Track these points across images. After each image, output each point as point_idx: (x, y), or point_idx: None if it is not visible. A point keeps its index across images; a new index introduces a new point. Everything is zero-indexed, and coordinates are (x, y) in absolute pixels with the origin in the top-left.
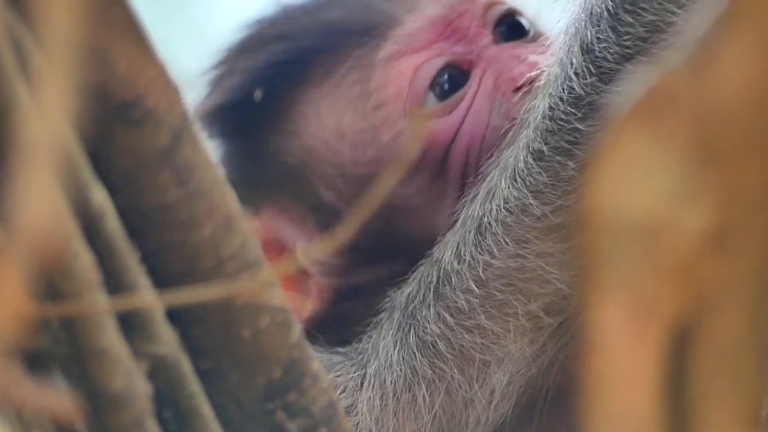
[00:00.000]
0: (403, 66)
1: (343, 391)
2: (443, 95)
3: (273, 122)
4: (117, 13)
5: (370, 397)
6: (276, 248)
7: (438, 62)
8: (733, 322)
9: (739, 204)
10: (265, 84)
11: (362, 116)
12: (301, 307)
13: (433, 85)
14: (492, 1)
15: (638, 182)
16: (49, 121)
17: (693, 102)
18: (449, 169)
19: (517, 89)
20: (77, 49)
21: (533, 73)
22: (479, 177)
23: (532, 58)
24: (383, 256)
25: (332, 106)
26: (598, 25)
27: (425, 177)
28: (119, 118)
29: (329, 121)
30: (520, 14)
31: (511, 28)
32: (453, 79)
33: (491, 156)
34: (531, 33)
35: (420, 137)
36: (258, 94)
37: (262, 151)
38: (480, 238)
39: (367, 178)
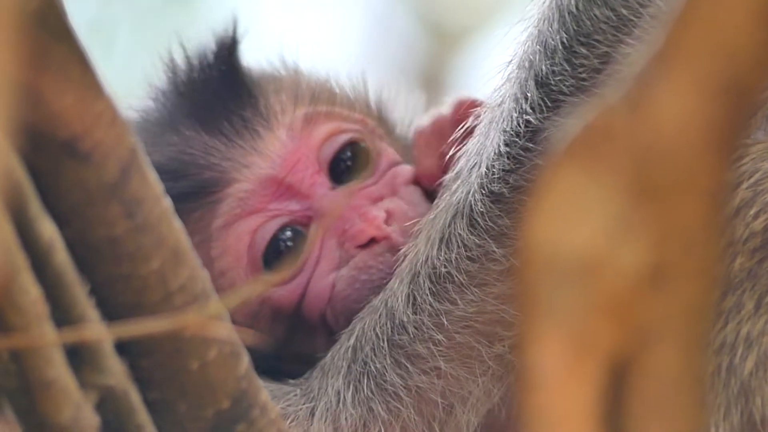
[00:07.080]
0: (239, 231)
1: (293, 420)
2: (283, 258)
3: None
4: (63, 49)
5: (321, 429)
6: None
7: (273, 225)
8: (669, 357)
9: (675, 241)
10: None
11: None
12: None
13: (272, 249)
14: (329, 133)
15: (575, 219)
16: None
17: (630, 139)
18: (306, 323)
19: (361, 246)
20: (18, 87)
21: (373, 231)
22: (340, 323)
23: (370, 205)
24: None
25: None
26: (553, 58)
27: (285, 328)
28: (66, 152)
29: None
30: (359, 141)
31: (351, 162)
32: (292, 240)
33: (343, 308)
34: (372, 161)
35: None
36: None
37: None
38: (438, 287)
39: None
